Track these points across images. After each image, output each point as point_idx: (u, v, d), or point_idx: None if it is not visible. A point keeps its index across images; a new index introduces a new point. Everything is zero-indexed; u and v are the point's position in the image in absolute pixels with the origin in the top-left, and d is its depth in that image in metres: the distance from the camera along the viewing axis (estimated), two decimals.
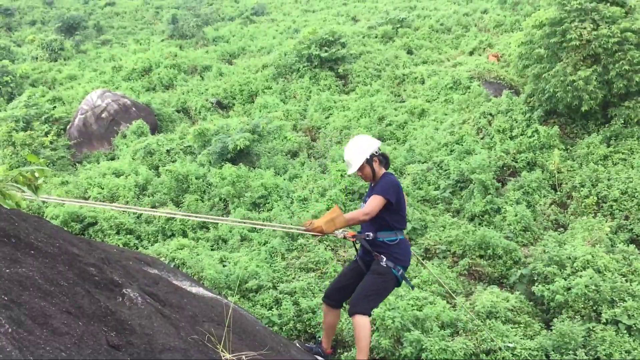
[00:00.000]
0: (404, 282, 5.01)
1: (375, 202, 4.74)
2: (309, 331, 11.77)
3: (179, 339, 2.38)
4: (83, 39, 44.07)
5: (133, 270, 3.12)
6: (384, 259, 4.80)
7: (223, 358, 2.56)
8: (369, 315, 4.72)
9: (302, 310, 11.94)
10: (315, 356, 5.11)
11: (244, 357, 2.67)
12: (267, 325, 11.55)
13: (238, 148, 20.13)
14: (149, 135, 25.17)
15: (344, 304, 5.22)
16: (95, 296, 2.28)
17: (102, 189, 19.77)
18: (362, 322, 4.68)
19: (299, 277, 13.14)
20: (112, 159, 25.01)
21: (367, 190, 5.41)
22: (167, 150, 23.05)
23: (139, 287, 2.78)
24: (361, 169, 4.94)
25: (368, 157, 4.89)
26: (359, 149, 4.94)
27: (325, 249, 14.33)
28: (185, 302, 3.09)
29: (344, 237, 4.88)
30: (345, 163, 5.15)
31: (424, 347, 9.89)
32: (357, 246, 5.13)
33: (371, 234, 4.84)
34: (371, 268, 4.85)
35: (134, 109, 27.14)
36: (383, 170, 5.05)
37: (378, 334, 10.48)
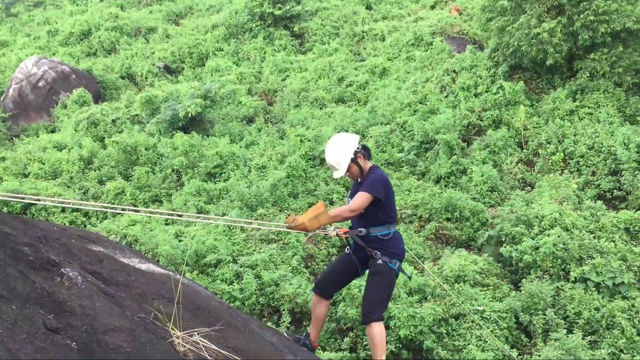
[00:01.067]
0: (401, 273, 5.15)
1: (362, 199, 4.76)
2: (272, 305, 11.82)
3: (124, 319, 2.33)
4: (13, 1, 42.21)
5: (74, 248, 3.03)
6: (379, 254, 4.88)
7: (174, 336, 2.53)
8: (383, 318, 4.89)
9: (264, 283, 11.96)
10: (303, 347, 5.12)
11: (196, 334, 2.65)
12: (227, 301, 11.57)
13: (189, 115, 19.80)
14: (92, 105, 24.51)
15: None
16: (30, 277, 2.20)
17: (43, 164, 19.26)
18: (378, 329, 4.87)
19: (260, 249, 13.14)
20: (53, 131, 24.32)
21: (352, 183, 5.42)
22: (113, 120, 22.52)
23: (80, 265, 2.71)
24: (348, 169, 4.95)
25: (352, 157, 4.90)
26: (341, 150, 4.94)
27: (287, 217, 14.32)
28: (132, 279, 3.03)
29: (337, 235, 4.96)
30: (330, 167, 5.15)
31: (392, 314, 10.07)
32: (349, 240, 5.13)
33: (364, 230, 4.89)
34: (370, 271, 4.94)
35: (73, 76, 26.33)
36: (369, 164, 5.10)
37: (344, 304, 10.61)
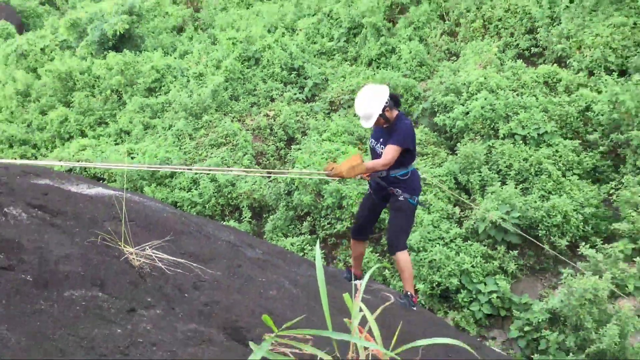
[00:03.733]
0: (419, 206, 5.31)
1: (394, 153, 4.82)
2: (232, 204, 11.87)
3: (75, 246, 2.26)
4: None
5: (18, 186, 2.87)
6: (400, 192, 4.98)
7: (127, 253, 2.47)
8: (407, 247, 5.04)
9: (220, 185, 11.94)
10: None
11: (147, 247, 2.60)
12: (189, 207, 11.55)
13: (118, 33, 18.67)
14: (16, 36, 22.84)
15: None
16: None
17: None
18: (403, 257, 5.00)
19: (212, 153, 12.98)
20: None
21: (372, 131, 5.39)
22: (42, 49, 21.09)
23: (24, 202, 2.58)
24: (376, 121, 4.95)
25: (381, 112, 4.90)
26: (372, 104, 4.90)
27: (232, 120, 14.09)
28: (81, 206, 2.92)
29: (361, 177, 5.04)
30: (359, 117, 5.09)
31: (343, 195, 10.26)
32: (369, 182, 5.22)
33: (384, 172, 4.96)
34: (392, 206, 5.07)
35: None
36: (395, 112, 5.04)
37: (298, 193, 10.72)
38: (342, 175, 4.72)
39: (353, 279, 5.47)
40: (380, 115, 4.92)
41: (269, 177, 11.92)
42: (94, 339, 1.81)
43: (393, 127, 4.99)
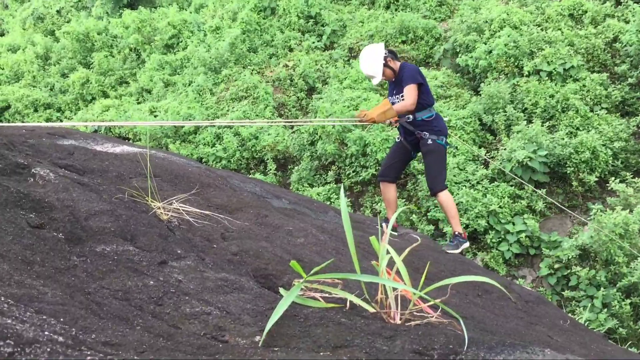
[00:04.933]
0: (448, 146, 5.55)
1: (412, 91, 5.11)
2: (256, 157, 11.92)
3: (103, 202, 2.28)
4: None
5: (43, 146, 2.90)
6: (427, 135, 5.22)
7: (154, 207, 2.50)
8: (446, 187, 5.30)
9: (244, 139, 11.96)
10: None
11: (174, 201, 2.62)
12: (214, 162, 11.63)
13: None
14: (32, 0, 22.78)
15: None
16: (3, 184, 2.10)
17: (3, 69, 18.29)
18: (445, 196, 5.25)
19: (233, 108, 12.96)
20: (2, 34, 22.82)
21: (386, 85, 5.79)
22: (58, 11, 21.06)
23: (51, 162, 2.61)
24: (383, 73, 5.31)
25: (384, 62, 5.28)
26: (372, 61, 5.32)
27: (251, 73, 13.99)
28: (107, 164, 2.94)
29: (390, 123, 5.38)
30: (367, 77, 5.54)
31: (366, 142, 10.20)
32: (399, 128, 5.48)
33: (411, 116, 5.24)
34: (423, 151, 5.31)
35: None
36: (398, 63, 5.41)
37: (322, 142, 10.69)
38: (373, 120, 5.02)
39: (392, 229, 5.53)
40: (384, 65, 5.31)
41: (292, 128, 11.90)
42: (127, 291, 1.85)
43: (401, 75, 5.30)
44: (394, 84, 5.43)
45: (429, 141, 5.21)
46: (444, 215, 6.16)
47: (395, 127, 5.55)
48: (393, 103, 5.34)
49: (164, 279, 1.97)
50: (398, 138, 5.53)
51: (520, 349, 1.71)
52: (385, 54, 5.32)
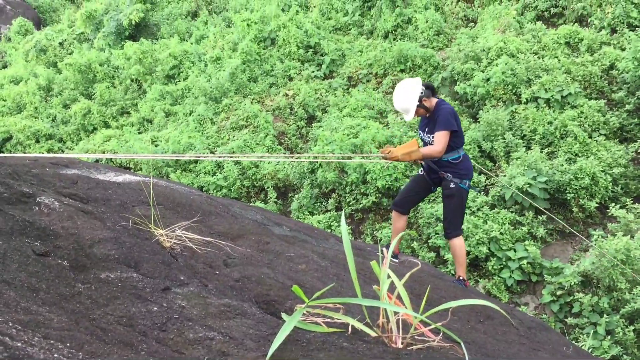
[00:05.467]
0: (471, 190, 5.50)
1: (443, 139, 4.97)
2: (257, 185, 11.97)
3: (107, 230, 2.32)
4: None
5: (47, 176, 2.95)
6: (450, 176, 5.10)
7: (157, 235, 2.53)
8: (462, 232, 5.23)
9: (245, 167, 12.03)
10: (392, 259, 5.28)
11: (177, 228, 2.66)
12: (214, 191, 11.68)
13: (133, 22, 18.80)
14: (35, 32, 23.13)
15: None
16: (9, 212, 2.15)
17: (5, 100, 18.47)
18: (458, 243, 5.19)
19: (233, 137, 13.07)
20: (5, 66, 23.10)
21: (419, 121, 5.59)
22: (60, 43, 21.36)
23: (55, 191, 2.65)
24: (415, 112, 5.11)
25: (418, 103, 5.06)
26: (407, 97, 5.08)
27: (252, 102, 14.13)
28: (110, 193, 2.99)
29: (414, 162, 5.22)
30: (399, 112, 5.19)
31: (367, 170, 10.26)
32: (422, 164, 5.36)
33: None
34: (444, 193, 5.19)
35: (8, 7, 24.62)
36: (434, 100, 5.19)
37: (322, 170, 10.75)
38: (397, 158, 4.89)
39: (393, 255, 5.51)
40: (418, 105, 5.08)
41: (292, 156, 11.97)
42: (132, 317, 1.88)
43: (435, 115, 5.12)
44: (427, 120, 5.25)
45: (452, 184, 5.09)
46: (452, 258, 6.11)
47: (420, 164, 5.40)
48: (422, 139, 5.29)
49: (168, 305, 2.00)
50: (421, 171, 5.41)
51: None
52: (422, 92, 5.07)
